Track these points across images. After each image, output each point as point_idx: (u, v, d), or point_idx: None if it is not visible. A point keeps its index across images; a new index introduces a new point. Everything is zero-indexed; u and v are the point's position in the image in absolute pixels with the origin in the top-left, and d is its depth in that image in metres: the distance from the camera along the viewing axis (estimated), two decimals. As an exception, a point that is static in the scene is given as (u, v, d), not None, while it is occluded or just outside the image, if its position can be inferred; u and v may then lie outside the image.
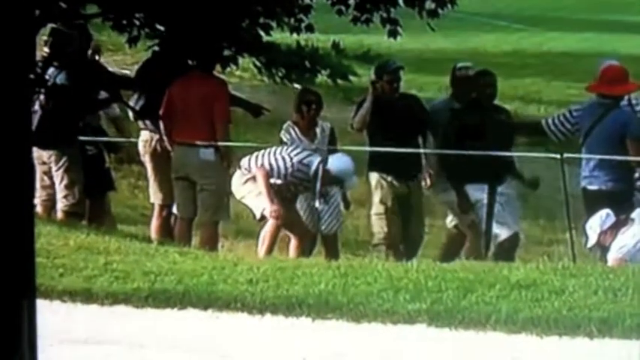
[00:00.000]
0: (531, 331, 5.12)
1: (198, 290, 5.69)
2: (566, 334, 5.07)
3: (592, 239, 7.15)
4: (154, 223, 8.32)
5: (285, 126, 8.18)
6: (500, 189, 7.90)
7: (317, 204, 7.86)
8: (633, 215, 7.14)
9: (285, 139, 8.09)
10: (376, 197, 8.04)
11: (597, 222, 7.12)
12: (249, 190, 7.78)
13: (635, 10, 23.61)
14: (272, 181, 7.71)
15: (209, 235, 7.92)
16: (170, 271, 6.01)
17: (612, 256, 7.01)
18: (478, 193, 7.86)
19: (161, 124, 8.17)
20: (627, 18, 23.45)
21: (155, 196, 8.37)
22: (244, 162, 7.88)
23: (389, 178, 7.99)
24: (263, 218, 7.77)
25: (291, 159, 7.72)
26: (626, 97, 7.73)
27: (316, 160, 7.76)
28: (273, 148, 7.90)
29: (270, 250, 7.67)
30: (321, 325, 5.34)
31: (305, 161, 7.74)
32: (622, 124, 7.49)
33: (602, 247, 7.12)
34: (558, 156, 7.71)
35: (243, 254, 7.30)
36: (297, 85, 10.68)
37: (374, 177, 8.06)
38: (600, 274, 5.85)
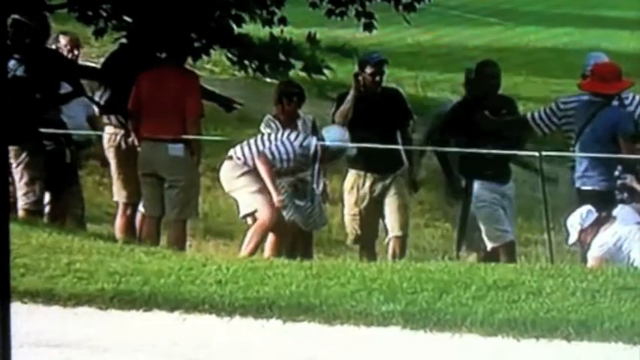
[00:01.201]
0: (508, 333, 5.03)
1: (164, 291, 5.55)
2: (543, 336, 4.99)
3: (573, 236, 7.05)
4: (118, 221, 8.16)
5: (265, 119, 7.99)
6: (503, 189, 7.74)
7: (315, 187, 7.64)
8: (615, 212, 7.04)
9: (265, 133, 7.90)
10: (351, 198, 7.90)
11: (577, 219, 7.02)
12: (245, 184, 7.47)
13: (614, 5, 23.65)
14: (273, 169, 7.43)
15: (177, 234, 7.75)
16: (136, 272, 5.87)
17: (592, 255, 6.92)
18: (485, 192, 7.68)
19: (129, 119, 7.99)
20: (606, 13, 23.47)
21: (119, 194, 8.20)
22: (237, 152, 7.56)
23: (368, 175, 7.84)
24: (247, 216, 7.49)
25: (291, 143, 7.49)
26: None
27: (314, 140, 7.55)
28: (266, 136, 7.62)
29: (255, 249, 7.41)
30: (293, 327, 5.23)
31: (305, 144, 7.52)
32: (614, 122, 7.39)
33: (583, 245, 7.02)
34: (536, 154, 7.60)
35: (212, 254, 7.16)
36: (269, 80, 10.52)
37: (351, 175, 7.91)
38: (578, 276, 5.77)
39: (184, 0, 8.27)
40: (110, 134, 8.21)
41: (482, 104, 7.76)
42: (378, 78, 7.87)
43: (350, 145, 7.65)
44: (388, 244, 7.87)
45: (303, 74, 9.39)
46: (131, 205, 8.12)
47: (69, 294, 5.54)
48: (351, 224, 7.88)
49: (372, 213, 7.86)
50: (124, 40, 8.63)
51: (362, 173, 7.88)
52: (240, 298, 5.43)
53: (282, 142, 7.50)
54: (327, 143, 7.55)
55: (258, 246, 7.47)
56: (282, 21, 8.98)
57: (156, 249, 6.78)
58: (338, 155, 7.67)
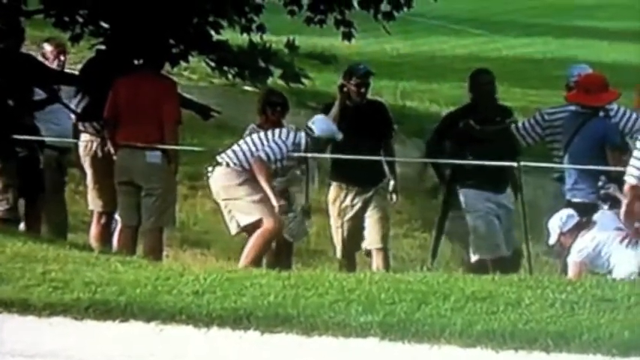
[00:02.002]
0: (486, 345, 5.02)
1: (141, 301, 5.50)
2: (522, 347, 4.98)
3: (553, 238, 7.05)
4: (93, 230, 8.10)
5: (249, 128, 7.94)
6: (499, 198, 7.69)
7: (312, 182, 7.59)
8: (595, 217, 7.04)
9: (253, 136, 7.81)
10: (334, 211, 7.88)
11: (557, 222, 7.02)
12: (247, 192, 7.27)
13: (593, 16, 23.79)
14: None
15: (153, 244, 7.68)
16: (112, 281, 5.82)
17: (572, 259, 6.92)
18: (479, 202, 7.63)
19: (105, 126, 7.92)
20: (585, 24, 23.60)
21: (94, 203, 8.13)
22: (231, 157, 7.39)
23: (350, 188, 7.81)
24: (246, 227, 7.30)
25: (284, 142, 7.41)
26: None
27: (303, 134, 7.48)
28: (256, 137, 7.48)
29: (256, 259, 7.21)
30: (271, 338, 5.20)
31: (296, 141, 7.45)
32: (602, 134, 7.40)
33: (562, 249, 7.02)
34: (515, 165, 7.59)
35: (189, 264, 7.11)
36: (247, 88, 10.49)
37: (333, 188, 7.89)
38: (557, 287, 5.76)
39: (162, 6, 8.23)
40: (86, 142, 8.14)
41: (475, 113, 7.74)
42: (363, 89, 7.85)
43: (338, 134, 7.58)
44: (369, 255, 7.84)
45: (281, 82, 9.36)
46: (106, 214, 8.05)
47: (44, 304, 5.48)
48: (335, 236, 7.88)
49: (353, 225, 7.83)
50: (101, 47, 8.57)
51: (344, 186, 7.86)
52: (218, 308, 5.38)
53: (275, 142, 7.41)
54: (317, 135, 7.47)
55: (260, 256, 7.30)
56: (261, 28, 8.96)
57: (132, 258, 6.71)
58: (328, 143, 7.58)
